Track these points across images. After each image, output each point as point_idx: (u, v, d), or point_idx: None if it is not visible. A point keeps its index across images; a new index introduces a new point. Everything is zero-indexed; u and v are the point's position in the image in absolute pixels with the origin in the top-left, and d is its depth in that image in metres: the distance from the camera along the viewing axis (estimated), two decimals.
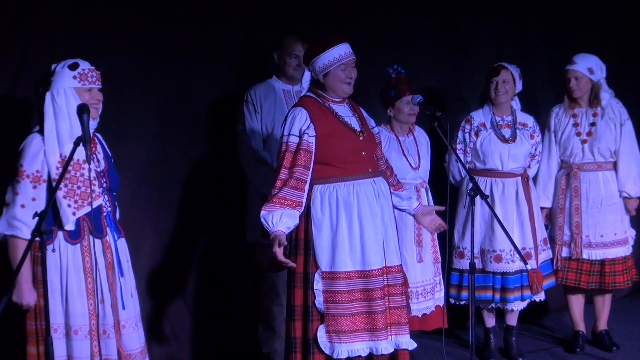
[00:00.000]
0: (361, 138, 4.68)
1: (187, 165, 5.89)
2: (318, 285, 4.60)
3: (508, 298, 5.89)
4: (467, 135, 5.97)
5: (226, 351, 6.06)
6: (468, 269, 5.78)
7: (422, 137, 5.83)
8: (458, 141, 5.99)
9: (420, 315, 5.64)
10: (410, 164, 5.65)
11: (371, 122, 4.88)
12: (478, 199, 4.73)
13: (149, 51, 5.66)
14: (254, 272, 5.91)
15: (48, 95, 4.17)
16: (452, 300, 5.97)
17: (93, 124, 4.27)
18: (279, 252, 4.47)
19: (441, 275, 5.77)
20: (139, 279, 5.58)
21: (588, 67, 5.99)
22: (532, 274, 5.88)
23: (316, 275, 4.60)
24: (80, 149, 4.02)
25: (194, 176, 5.90)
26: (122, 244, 4.44)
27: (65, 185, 4.13)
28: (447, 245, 5.60)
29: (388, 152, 5.60)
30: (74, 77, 4.20)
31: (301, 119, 4.60)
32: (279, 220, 4.49)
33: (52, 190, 4.10)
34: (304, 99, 4.73)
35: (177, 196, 5.86)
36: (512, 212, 5.88)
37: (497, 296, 5.91)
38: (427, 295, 5.65)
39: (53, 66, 4.26)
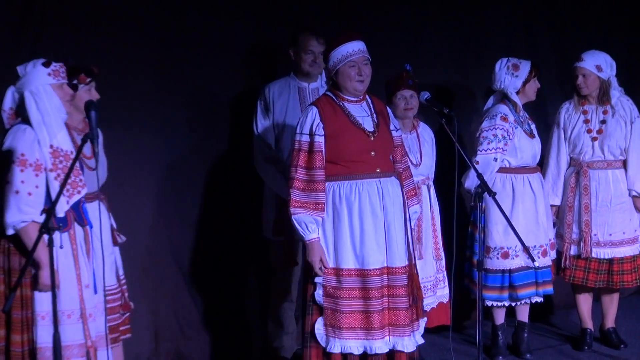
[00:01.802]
0: (372, 138, 4.71)
1: (203, 160, 5.91)
2: (319, 279, 4.68)
3: (547, 290, 5.92)
4: (506, 133, 5.78)
5: (236, 345, 6.06)
6: (516, 267, 5.81)
7: (426, 133, 5.80)
8: (497, 140, 5.76)
9: None
10: (411, 161, 5.63)
11: (395, 124, 4.93)
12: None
13: (161, 46, 5.67)
14: (268, 269, 5.92)
15: (27, 94, 4.29)
16: (490, 303, 5.89)
17: (64, 118, 4.40)
18: (317, 263, 4.63)
19: (445, 272, 5.75)
20: (149, 275, 5.63)
21: (596, 64, 5.96)
22: (554, 263, 5.97)
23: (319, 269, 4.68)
24: (65, 140, 4.30)
25: (211, 171, 5.92)
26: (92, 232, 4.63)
27: (59, 175, 4.25)
28: (454, 242, 5.57)
29: None
30: (49, 74, 4.33)
31: (312, 118, 4.66)
32: (313, 226, 4.62)
33: (48, 181, 4.25)
34: (320, 97, 4.80)
35: (191, 192, 5.88)
36: (544, 205, 5.89)
37: (541, 290, 5.91)
38: (427, 292, 5.62)
39: (20, 68, 4.36)
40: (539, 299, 5.98)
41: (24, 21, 5.30)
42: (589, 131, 6.01)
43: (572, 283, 6.15)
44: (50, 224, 3.92)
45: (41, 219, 4.14)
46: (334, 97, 4.74)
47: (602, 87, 6.00)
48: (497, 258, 5.83)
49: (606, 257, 6.02)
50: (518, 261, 5.82)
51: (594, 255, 6.02)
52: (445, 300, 5.71)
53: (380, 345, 4.65)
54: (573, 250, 6.06)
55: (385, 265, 4.69)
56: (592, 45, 6.15)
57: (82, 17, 5.39)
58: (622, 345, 6.21)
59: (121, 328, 4.98)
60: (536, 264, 5.02)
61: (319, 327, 4.67)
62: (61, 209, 4.26)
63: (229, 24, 5.89)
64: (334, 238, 4.68)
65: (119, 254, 5.04)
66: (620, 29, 7.46)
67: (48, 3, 5.32)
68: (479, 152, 5.77)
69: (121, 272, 5.06)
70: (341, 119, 4.69)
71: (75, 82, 4.73)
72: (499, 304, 5.92)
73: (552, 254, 5.98)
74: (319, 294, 4.68)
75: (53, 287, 4.03)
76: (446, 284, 5.74)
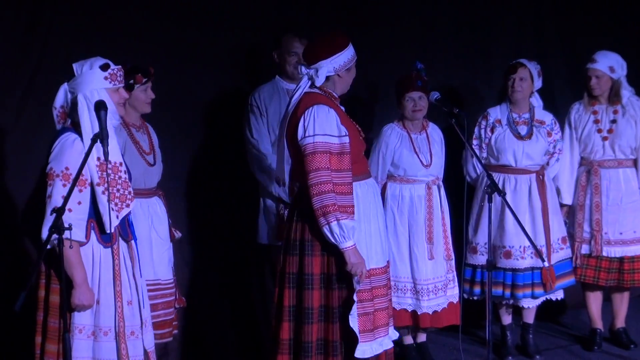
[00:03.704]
0: (362, 138, 4.72)
1: (199, 165, 5.91)
2: (359, 285, 4.53)
3: (517, 295, 5.89)
4: (482, 131, 5.98)
5: (246, 346, 6.07)
6: (481, 264, 5.84)
7: (435, 134, 5.82)
8: (474, 137, 6.00)
9: (431, 312, 5.64)
10: (421, 162, 5.64)
11: None
12: (495, 195, 4.74)
13: (159, 51, 5.67)
14: (273, 273, 5.91)
15: (80, 98, 4.08)
16: (465, 295, 5.96)
17: (116, 124, 4.23)
18: (362, 267, 4.46)
19: (455, 273, 5.76)
20: None
21: (609, 65, 5.97)
22: (545, 271, 5.87)
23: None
24: (115, 151, 4.07)
25: (209, 175, 5.93)
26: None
27: (106, 189, 4.07)
28: (464, 242, 5.59)
29: (399, 149, 5.63)
30: (105, 78, 4.13)
31: (334, 118, 4.50)
32: (351, 231, 4.45)
33: (94, 194, 4.06)
34: (319, 97, 4.58)
35: (189, 196, 5.88)
36: (524, 209, 5.87)
37: (508, 292, 5.90)
38: (439, 292, 5.65)
39: (76, 67, 4.16)
40: (513, 301, 5.97)
41: (31, 28, 5.33)
42: (599, 131, 6.02)
43: (583, 282, 6.15)
44: (60, 223, 3.80)
45: (79, 236, 4.01)
46: (329, 97, 4.62)
47: (614, 87, 6.01)
48: (468, 252, 5.94)
49: (617, 255, 6.02)
50: (483, 258, 5.84)
51: (604, 254, 6.02)
52: (455, 300, 5.72)
53: (388, 342, 4.69)
54: (584, 249, 6.06)
55: (387, 262, 4.77)
56: (601, 45, 6.14)
57: (86, 24, 5.43)
58: (632, 346, 6.21)
59: (174, 323, 5.03)
60: (545, 264, 5.03)
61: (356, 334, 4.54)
62: (113, 225, 4.09)
63: (222, 28, 5.88)
64: (358, 239, 4.55)
65: (172, 250, 5.10)
66: (628, 30, 7.44)
67: (54, 10, 5.36)
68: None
69: (173, 268, 5.12)
70: (345, 119, 4.61)
71: (131, 82, 4.76)
72: (473, 297, 5.97)
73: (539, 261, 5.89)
74: (356, 301, 4.52)
75: (62, 294, 3.94)
76: (456, 284, 5.75)
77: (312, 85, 4.62)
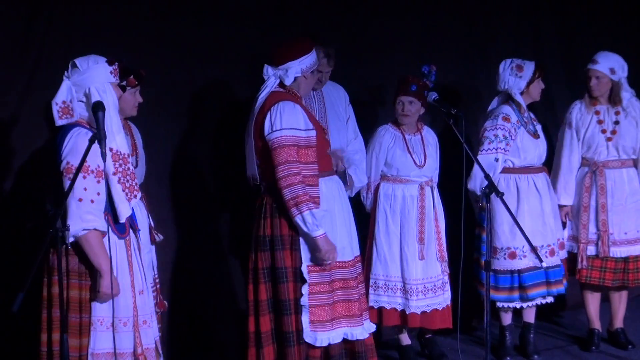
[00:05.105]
0: (327, 136, 4.91)
1: (203, 163, 5.92)
2: (311, 278, 4.75)
3: (552, 291, 5.93)
4: (507, 133, 5.80)
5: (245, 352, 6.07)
6: (524, 267, 5.81)
7: (430, 137, 5.82)
8: (498, 140, 5.77)
9: (419, 313, 5.64)
10: (414, 162, 5.65)
11: None
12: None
13: (162, 50, 5.67)
14: None
15: (93, 90, 4.13)
16: (501, 304, 5.91)
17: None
18: (333, 253, 4.70)
19: (447, 275, 5.74)
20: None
21: (610, 67, 5.96)
22: (565, 262, 6.00)
23: (303, 268, 4.73)
24: (123, 142, 4.16)
25: (211, 173, 5.94)
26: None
27: (119, 179, 4.15)
28: (461, 243, 5.57)
29: (393, 149, 5.64)
30: (110, 72, 4.21)
31: (301, 113, 4.70)
32: (322, 220, 4.65)
33: (110, 185, 4.13)
34: (284, 95, 4.77)
35: (193, 194, 5.88)
36: (547, 207, 5.88)
37: (554, 289, 5.92)
38: (428, 293, 5.64)
39: (80, 62, 4.18)
40: (550, 299, 6.00)
41: (30, 24, 5.32)
42: (603, 131, 6.01)
43: (588, 283, 6.13)
44: (58, 224, 3.84)
45: (103, 226, 4.06)
46: (293, 96, 4.79)
47: (614, 88, 6.00)
48: (505, 258, 5.84)
49: (622, 255, 6.03)
50: (526, 261, 5.81)
51: (611, 254, 6.02)
52: (448, 302, 5.71)
53: (361, 331, 4.86)
54: (590, 251, 6.05)
55: (354, 255, 4.94)
56: (600, 45, 6.14)
57: (86, 22, 5.42)
58: (630, 346, 6.21)
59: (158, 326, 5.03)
60: (544, 264, 5.02)
61: (306, 325, 4.73)
62: (123, 215, 4.16)
63: (228, 27, 5.87)
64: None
65: (155, 252, 5.10)
66: (627, 30, 7.44)
67: (53, 8, 5.35)
68: (479, 152, 5.79)
69: (156, 271, 5.12)
70: (310, 117, 4.81)
71: (124, 83, 4.74)
72: (510, 305, 5.92)
73: (562, 253, 5.99)
74: (305, 293, 4.73)
75: (61, 293, 3.96)
76: (448, 287, 5.74)
77: (278, 86, 4.79)
